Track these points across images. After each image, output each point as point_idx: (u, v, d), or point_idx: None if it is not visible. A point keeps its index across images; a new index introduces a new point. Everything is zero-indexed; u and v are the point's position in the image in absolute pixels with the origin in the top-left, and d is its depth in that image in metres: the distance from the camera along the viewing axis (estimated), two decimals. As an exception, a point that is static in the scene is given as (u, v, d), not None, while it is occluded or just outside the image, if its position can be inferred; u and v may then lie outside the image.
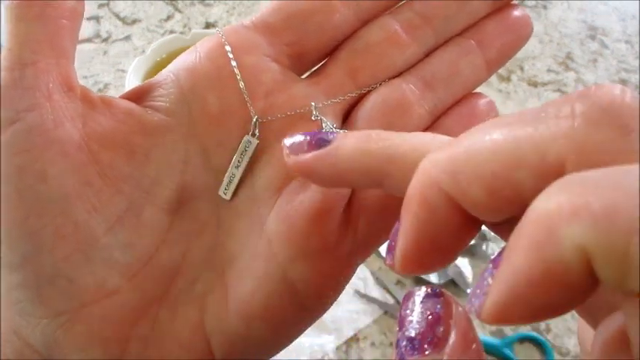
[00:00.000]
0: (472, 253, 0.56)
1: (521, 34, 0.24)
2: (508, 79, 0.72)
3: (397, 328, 0.14)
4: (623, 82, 0.74)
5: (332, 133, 0.18)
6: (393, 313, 0.51)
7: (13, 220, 0.19)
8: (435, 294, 0.14)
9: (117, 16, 0.71)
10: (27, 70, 0.19)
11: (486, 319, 0.13)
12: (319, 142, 0.18)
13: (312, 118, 0.22)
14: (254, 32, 0.23)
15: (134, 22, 0.69)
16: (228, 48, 0.22)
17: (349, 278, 0.22)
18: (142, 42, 0.68)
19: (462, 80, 0.23)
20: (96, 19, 0.68)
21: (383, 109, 0.22)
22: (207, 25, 0.71)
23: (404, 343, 0.14)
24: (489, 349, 0.51)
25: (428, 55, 0.23)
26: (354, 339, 0.49)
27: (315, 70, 0.24)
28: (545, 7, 0.83)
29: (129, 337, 0.20)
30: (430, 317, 0.14)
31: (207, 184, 0.22)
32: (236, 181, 0.22)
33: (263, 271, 0.21)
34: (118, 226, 0.20)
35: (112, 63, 0.66)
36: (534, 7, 0.82)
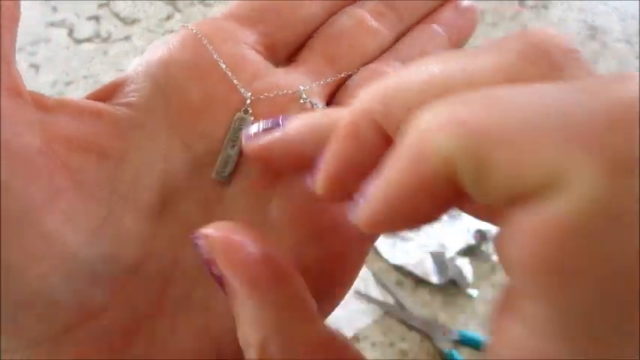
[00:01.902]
0: (472, 253, 0.56)
1: (472, 18, 0.25)
2: (508, 79, 0.72)
3: None
4: (623, 82, 0.74)
5: (285, 117, 0.19)
6: (393, 313, 0.51)
7: None
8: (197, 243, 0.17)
9: (117, 16, 0.70)
10: None
11: (363, 227, 0.14)
12: (272, 125, 0.19)
13: (301, 101, 0.22)
14: (229, 23, 0.22)
15: (134, 22, 0.69)
16: (204, 39, 0.21)
17: (363, 260, 0.22)
18: (142, 42, 0.68)
19: None
20: (96, 19, 0.68)
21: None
22: (207, 25, 0.71)
23: None
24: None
25: (397, 40, 0.24)
26: (354, 339, 0.49)
27: (291, 60, 0.24)
28: (545, 7, 0.83)
29: (125, 358, 0.18)
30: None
31: (193, 182, 0.21)
32: (233, 162, 0.21)
33: None
34: (97, 237, 0.18)
35: (112, 63, 0.66)
36: (534, 7, 0.82)
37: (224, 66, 0.21)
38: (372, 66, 0.24)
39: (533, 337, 0.12)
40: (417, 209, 0.13)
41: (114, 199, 0.19)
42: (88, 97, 0.20)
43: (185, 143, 0.20)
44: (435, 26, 0.24)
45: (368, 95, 0.14)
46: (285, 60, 0.24)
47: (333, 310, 0.22)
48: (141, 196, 0.19)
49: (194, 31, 0.21)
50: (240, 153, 0.21)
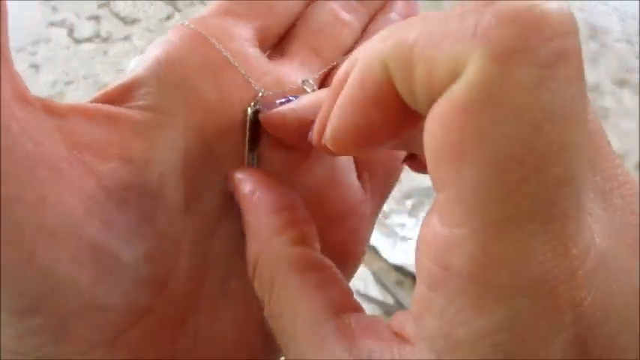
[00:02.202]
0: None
1: (416, 8, 0.27)
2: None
3: None
4: (624, 81, 0.74)
5: (296, 96, 0.21)
6: (392, 312, 0.51)
7: (14, 260, 0.16)
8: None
9: (117, 16, 0.70)
10: None
11: (330, 146, 0.16)
12: (286, 101, 0.21)
13: (310, 90, 0.23)
14: (226, 20, 0.23)
15: (134, 22, 0.69)
16: (213, 40, 0.22)
17: (370, 237, 0.24)
18: (142, 42, 0.68)
19: None
20: (96, 19, 0.68)
21: None
22: (207, 25, 0.71)
23: None
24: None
25: (364, 31, 0.26)
26: (354, 339, 0.49)
27: (277, 51, 0.25)
28: (545, 7, 0.83)
29: (173, 354, 0.19)
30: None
31: (213, 177, 0.21)
32: (256, 155, 0.22)
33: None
34: (136, 240, 0.19)
35: (112, 63, 0.66)
36: (534, 7, 0.82)
37: (236, 64, 0.22)
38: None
39: (442, 225, 0.13)
40: (371, 123, 0.15)
41: (144, 201, 0.19)
42: (95, 101, 0.20)
43: (203, 141, 0.21)
44: (393, 15, 0.26)
45: (380, 45, 0.15)
46: (270, 50, 0.25)
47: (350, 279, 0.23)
48: (168, 195, 0.20)
49: (199, 30, 0.22)
50: (257, 141, 0.22)
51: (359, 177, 0.23)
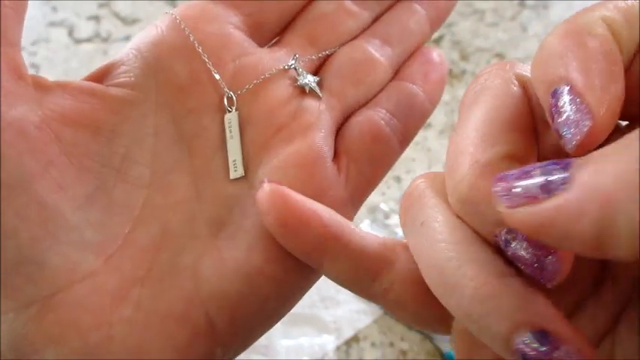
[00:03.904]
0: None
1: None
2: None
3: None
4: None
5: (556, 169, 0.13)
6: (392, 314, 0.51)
7: None
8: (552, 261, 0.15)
9: (117, 16, 0.70)
10: None
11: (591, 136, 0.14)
12: (547, 186, 0.13)
13: (289, 66, 0.23)
14: (214, 5, 0.23)
15: (134, 22, 0.69)
16: (184, 22, 0.22)
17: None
18: (142, 42, 0.68)
19: (413, 37, 0.26)
20: (96, 19, 0.68)
21: (351, 65, 0.24)
22: (207, 25, 0.71)
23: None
24: None
25: (376, 19, 0.26)
26: (355, 339, 0.49)
27: (274, 42, 0.25)
28: (545, 7, 0.83)
29: (111, 322, 0.19)
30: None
31: (181, 155, 0.22)
32: (240, 158, 0.22)
33: (258, 227, 0.21)
34: (88, 206, 0.19)
35: (112, 63, 0.66)
36: (534, 7, 0.82)
37: (200, 48, 0.22)
38: (355, 42, 0.25)
39: None
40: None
41: (105, 171, 0.20)
42: (85, 79, 0.22)
43: (173, 118, 0.22)
44: (415, 4, 0.26)
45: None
46: (270, 39, 0.25)
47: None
48: (132, 168, 0.21)
49: (175, 16, 0.23)
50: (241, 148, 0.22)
51: (335, 159, 0.23)
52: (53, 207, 0.19)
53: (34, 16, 0.68)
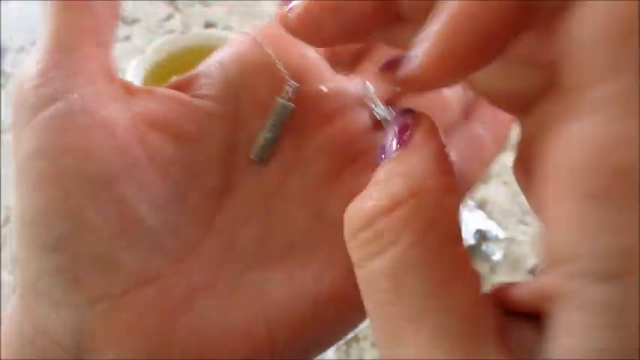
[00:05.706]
0: (472, 253, 0.56)
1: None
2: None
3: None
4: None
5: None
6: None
7: (51, 198, 0.18)
8: (405, 110, 0.16)
9: (117, 16, 0.71)
10: (70, 54, 0.19)
11: (428, 73, 0.13)
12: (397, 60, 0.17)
13: (372, 105, 0.23)
14: None
15: (134, 22, 0.69)
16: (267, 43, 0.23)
17: None
18: (141, 42, 0.68)
19: None
20: (96, 19, 0.68)
21: (423, 100, 0.24)
22: (207, 25, 0.71)
23: (378, 151, 0.16)
24: None
25: None
26: (354, 339, 0.49)
27: (349, 69, 0.25)
28: (545, 7, 0.83)
29: (175, 328, 0.19)
30: (399, 127, 0.16)
31: (254, 173, 0.22)
32: (270, 145, 0.22)
33: (329, 256, 0.21)
34: (165, 210, 0.20)
35: (112, 63, 0.66)
36: (534, 7, 0.82)
37: (280, 63, 0.23)
38: None
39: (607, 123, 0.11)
40: (492, 35, 0.12)
41: (183, 178, 0.21)
42: (169, 87, 0.22)
43: (250, 137, 0.22)
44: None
45: None
46: (348, 68, 0.25)
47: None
48: (207, 178, 0.21)
49: (256, 38, 0.23)
50: (277, 138, 0.22)
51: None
52: (132, 208, 0.19)
53: (34, 16, 0.68)
